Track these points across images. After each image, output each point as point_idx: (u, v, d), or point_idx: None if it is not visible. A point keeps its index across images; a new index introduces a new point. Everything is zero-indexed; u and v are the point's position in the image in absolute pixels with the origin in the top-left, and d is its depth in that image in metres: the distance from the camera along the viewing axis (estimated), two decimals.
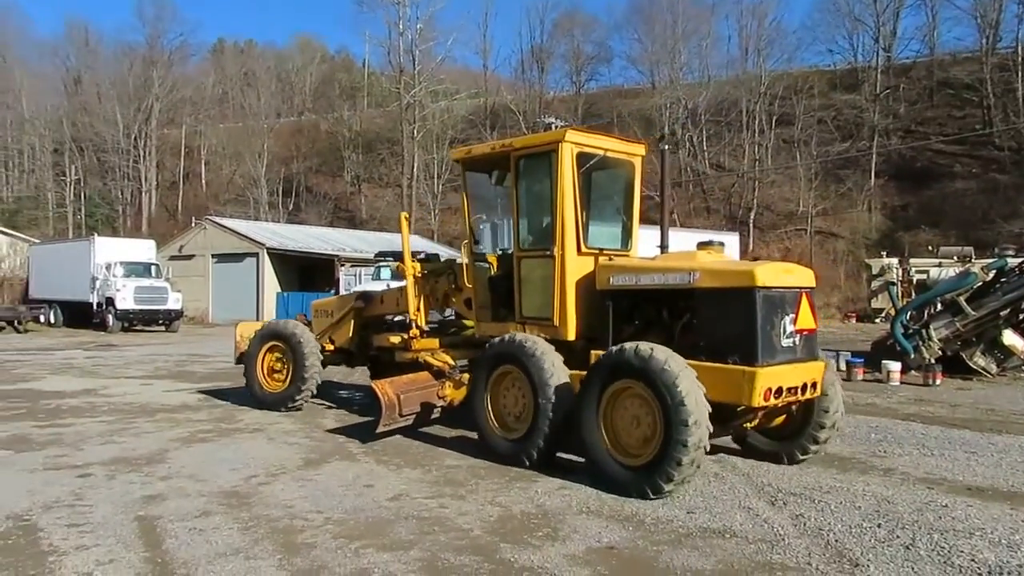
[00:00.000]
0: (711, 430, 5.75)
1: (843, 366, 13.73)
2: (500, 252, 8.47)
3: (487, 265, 8.35)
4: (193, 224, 40.13)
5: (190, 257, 36.39)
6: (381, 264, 25.50)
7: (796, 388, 6.15)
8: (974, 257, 25.56)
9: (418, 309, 8.96)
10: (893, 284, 23.31)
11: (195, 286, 34.46)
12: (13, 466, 7.07)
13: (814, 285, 6.54)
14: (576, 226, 7.24)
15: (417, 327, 8.89)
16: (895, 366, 12.87)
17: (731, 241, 34.08)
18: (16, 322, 28.32)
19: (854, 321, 30.98)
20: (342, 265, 32.32)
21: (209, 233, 36.77)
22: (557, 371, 6.79)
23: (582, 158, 7.36)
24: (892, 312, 17.74)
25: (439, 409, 8.25)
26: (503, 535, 5.12)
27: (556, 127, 7.81)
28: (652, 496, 5.81)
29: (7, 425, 9.12)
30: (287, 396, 9.79)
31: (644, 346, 5.97)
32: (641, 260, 7.53)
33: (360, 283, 28.26)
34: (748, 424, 6.66)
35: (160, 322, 29.03)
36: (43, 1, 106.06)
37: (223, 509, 5.70)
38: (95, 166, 60.22)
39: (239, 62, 71.65)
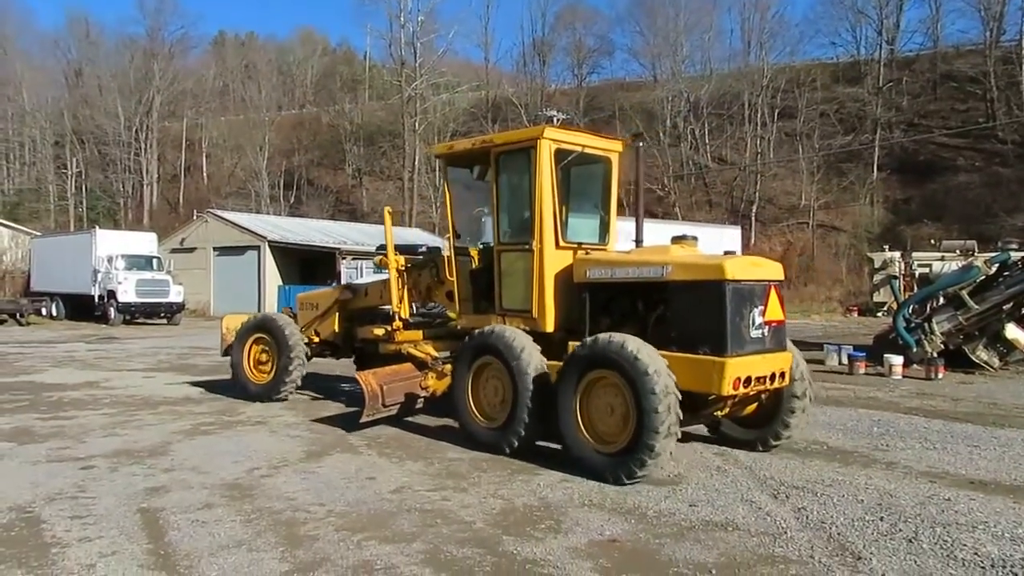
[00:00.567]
0: (681, 418, 5.96)
1: (845, 360, 13.73)
2: (481, 246, 8.55)
3: (469, 258, 8.44)
4: (195, 217, 40.12)
5: (191, 250, 36.38)
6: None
7: (765, 377, 6.34)
8: (977, 251, 25.49)
9: (401, 301, 9.07)
10: (895, 278, 23.25)
11: (196, 279, 34.45)
12: (16, 458, 7.09)
13: (783, 278, 6.72)
14: (554, 221, 7.38)
15: (400, 319, 8.99)
16: (897, 360, 12.85)
17: (733, 234, 34.11)
18: (18, 315, 28.37)
19: (856, 315, 30.90)
20: (343, 258, 32.30)
21: (210, 226, 36.74)
22: (535, 362, 6.97)
23: (560, 154, 7.47)
24: (894, 306, 17.74)
25: (422, 399, 8.31)
26: (505, 528, 5.13)
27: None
28: (626, 481, 6.00)
29: (10, 417, 9.15)
30: (272, 387, 10.02)
31: (618, 337, 6.18)
32: (617, 254, 7.66)
33: (361, 276, 28.24)
34: (719, 412, 6.83)
35: (162, 315, 29.04)
36: None
37: (225, 501, 5.71)
38: (96, 159, 60.15)
39: (240, 54, 71.57)
